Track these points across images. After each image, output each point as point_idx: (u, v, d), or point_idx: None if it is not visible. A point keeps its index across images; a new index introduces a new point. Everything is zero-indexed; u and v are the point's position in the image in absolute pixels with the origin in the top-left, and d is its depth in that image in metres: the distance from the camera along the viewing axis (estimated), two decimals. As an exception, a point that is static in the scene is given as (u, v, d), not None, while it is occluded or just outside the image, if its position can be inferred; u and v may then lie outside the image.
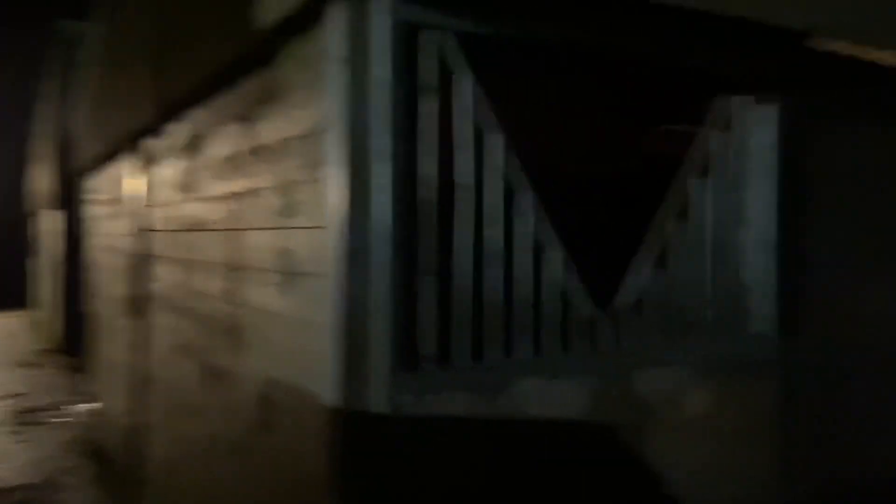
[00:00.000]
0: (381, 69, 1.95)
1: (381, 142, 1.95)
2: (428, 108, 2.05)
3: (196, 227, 3.33)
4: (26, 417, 6.98)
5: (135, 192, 4.70)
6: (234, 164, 2.78)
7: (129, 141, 4.76)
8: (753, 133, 2.62)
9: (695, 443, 2.46)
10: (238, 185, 2.71)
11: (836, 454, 2.92)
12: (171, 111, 3.66)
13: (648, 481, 2.38)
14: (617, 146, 3.94)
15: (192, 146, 3.42)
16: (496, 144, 2.18)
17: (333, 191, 1.96)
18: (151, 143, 4.27)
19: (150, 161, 4.33)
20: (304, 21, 2.09)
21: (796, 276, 2.70)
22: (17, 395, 7.94)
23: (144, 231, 4.39)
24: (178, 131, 3.73)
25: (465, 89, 2.12)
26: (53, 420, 6.92)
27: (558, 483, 2.27)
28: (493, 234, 2.18)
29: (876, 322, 3.06)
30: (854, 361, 2.99)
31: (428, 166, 2.04)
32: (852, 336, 2.99)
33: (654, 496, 2.41)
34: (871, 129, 3.06)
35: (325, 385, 1.96)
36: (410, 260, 2.03)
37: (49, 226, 12.46)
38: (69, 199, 9.77)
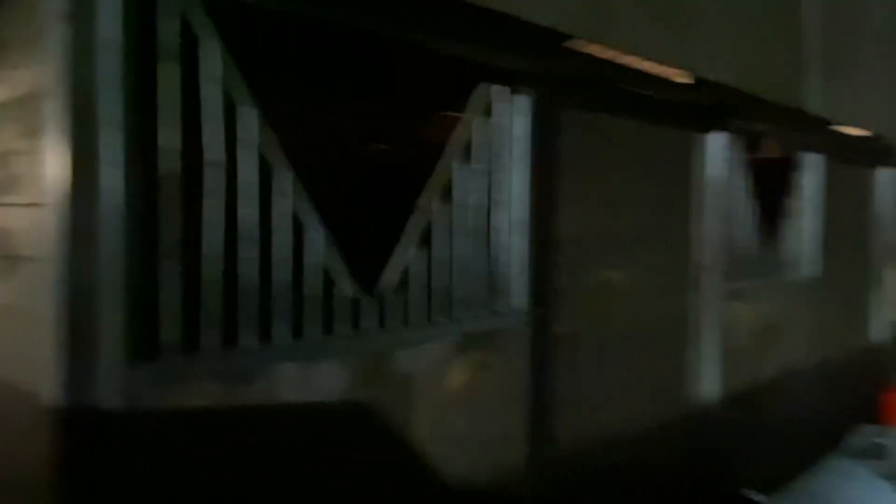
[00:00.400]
0: (109, 28, 1.75)
1: (111, 109, 1.75)
2: (168, 74, 1.88)
3: None
4: None
5: None
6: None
7: None
8: (510, 122, 2.77)
9: (455, 416, 2.56)
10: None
11: (580, 418, 3.22)
12: None
13: (412, 458, 2.44)
14: (391, 130, 4.01)
15: None
16: (249, 118, 2.07)
17: (54, 163, 1.74)
18: None
19: None
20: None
21: (546, 255, 2.91)
22: None
23: None
24: None
25: (212, 55, 1.98)
26: None
27: (322, 468, 2.24)
28: (248, 213, 2.08)
29: (615, 296, 3.42)
30: (598, 332, 3.33)
31: (169, 138, 1.88)
32: (597, 309, 3.31)
33: (417, 472, 2.47)
34: (613, 122, 3.40)
35: (45, 382, 1.74)
36: (150, 241, 1.86)
37: None
38: None
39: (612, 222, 3.46)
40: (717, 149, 4.02)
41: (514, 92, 2.75)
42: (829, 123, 4.99)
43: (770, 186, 5.06)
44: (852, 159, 5.89)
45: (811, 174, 5.15)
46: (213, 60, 1.99)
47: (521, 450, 2.81)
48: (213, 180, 1.99)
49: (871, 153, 6.18)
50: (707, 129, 3.99)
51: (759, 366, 4.50)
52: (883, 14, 5.87)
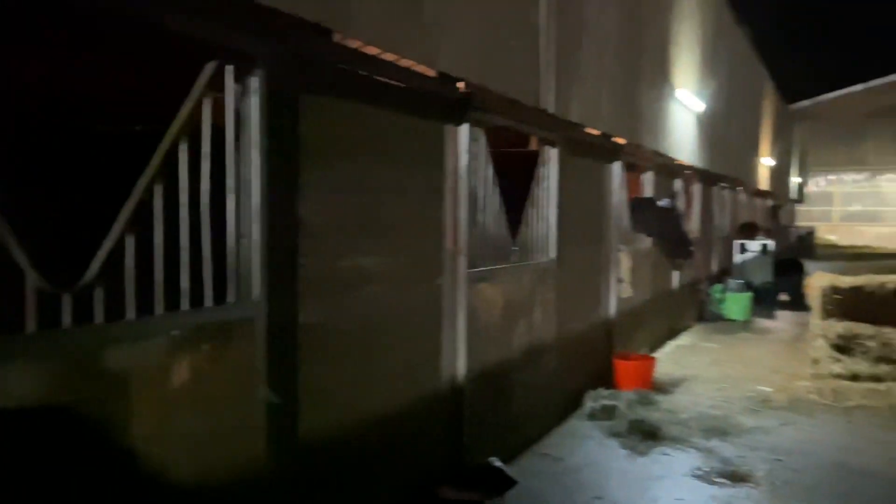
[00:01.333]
0: None
1: None
2: None
3: None
4: None
5: None
6: None
7: None
8: (243, 103, 2.66)
9: (183, 413, 2.42)
10: None
11: (331, 406, 3.23)
12: None
13: (129, 462, 2.25)
14: (110, 109, 3.68)
15: None
16: None
17: None
18: None
19: None
20: None
21: (285, 243, 2.85)
22: None
23: None
24: None
25: None
26: None
27: (23, 479, 1.98)
28: None
29: (370, 282, 3.46)
30: (351, 319, 3.35)
31: None
32: (350, 296, 3.33)
33: (136, 476, 2.29)
34: (365, 110, 3.43)
35: None
36: None
37: None
38: None
39: (366, 209, 3.50)
40: (465, 140, 4.24)
41: (245, 73, 2.64)
42: (562, 121, 5.52)
43: (515, 177, 5.48)
44: (589, 154, 6.59)
45: (551, 167, 5.66)
46: None
47: (261, 443, 2.73)
48: None
49: (605, 150, 6.98)
50: (456, 121, 4.19)
51: (505, 342, 4.86)
52: (610, 25, 6.64)
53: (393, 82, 3.67)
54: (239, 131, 2.67)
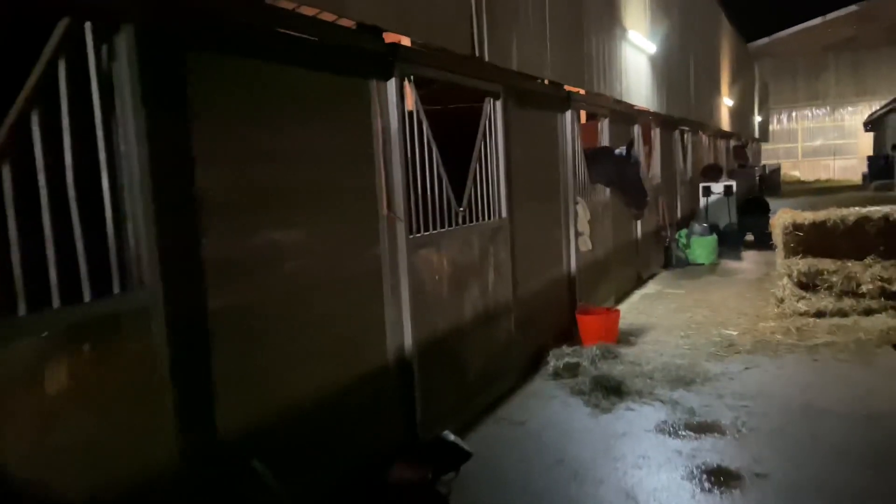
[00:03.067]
0: None
1: None
2: None
3: None
4: None
5: None
6: None
7: None
8: (113, 64, 2.33)
9: (69, 422, 2.14)
10: None
11: (257, 393, 2.97)
12: None
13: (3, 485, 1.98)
14: None
15: None
16: None
17: None
18: None
19: None
20: None
21: (185, 220, 2.56)
22: None
23: None
24: None
25: None
26: None
27: None
28: None
29: (295, 256, 3.18)
30: (275, 298, 3.07)
31: None
32: (272, 273, 3.05)
33: (18, 491, 2.02)
34: (276, 69, 3.10)
35: None
36: None
37: None
38: None
39: (283, 178, 3.20)
40: (393, 96, 3.93)
41: (110, 30, 2.30)
42: (503, 70, 5.21)
43: (460, 135, 5.19)
44: (537, 104, 6.30)
45: (496, 120, 5.37)
46: None
47: (171, 443, 2.47)
48: None
49: (554, 99, 6.69)
50: (382, 76, 3.87)
51: (456, 308, 4.63)
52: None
53: (305, 37, 3.33)
54: (113, 99, 2.34)
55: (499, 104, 5.36)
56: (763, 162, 31.85)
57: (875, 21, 34.02)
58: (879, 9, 32.80)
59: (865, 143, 34.16)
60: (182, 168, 2.59)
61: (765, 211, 13.95)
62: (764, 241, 13.10)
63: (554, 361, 5.88)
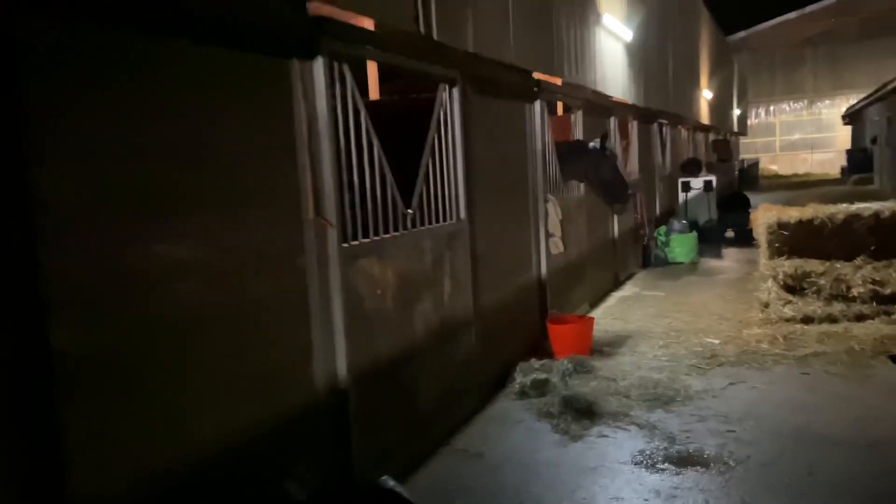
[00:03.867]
0: None
1: None
2: None
3: None
4: None
5: None
6: None
7: None
8: None
9: None
10: None
11: (117, 456, 2.36)
12: None
13: None
14: None
15: None
16: None
17: None
18: None
19: None
20: None
21: (14, 233, 1.95)
22: None
23: None
24: None
25: None
26: None
27: None
28: None
29: (171, 277, 2.57)
30: (146, 329, 2.45)
31: None
32: (140, 299, 2.43)
33: None
34: (157, 44, 2.48)
35: None
36: None
37: None
38: None
39: (175, 178, 2.58)
40: (321, 79, 3.32)
41: None
42: (459, 53, 4.61)
43: (412, 129, 4.59)
44: (502, 93, 5.72)
45: (452, 110, 4.77)
46: None
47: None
48: None
49: (521, 87, 6.11)
50: (306, 55, 3.26)
51: (403, 325, 4.04)
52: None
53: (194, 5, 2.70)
54: None
55: (456, 92, 4.76)
56: (741, 156, 31.61)
57: (852, 14, 33.91)
58: (856, 2, 32.66)
59: (843, 136, 34.07)
60: (11, 168, 1.97)
61: (745, 207, 13.52)
62: (745, 238, 12.66)
63: (521, 378, 5.31)
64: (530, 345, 6.06)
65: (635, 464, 3.95)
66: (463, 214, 4.84)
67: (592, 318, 6.32)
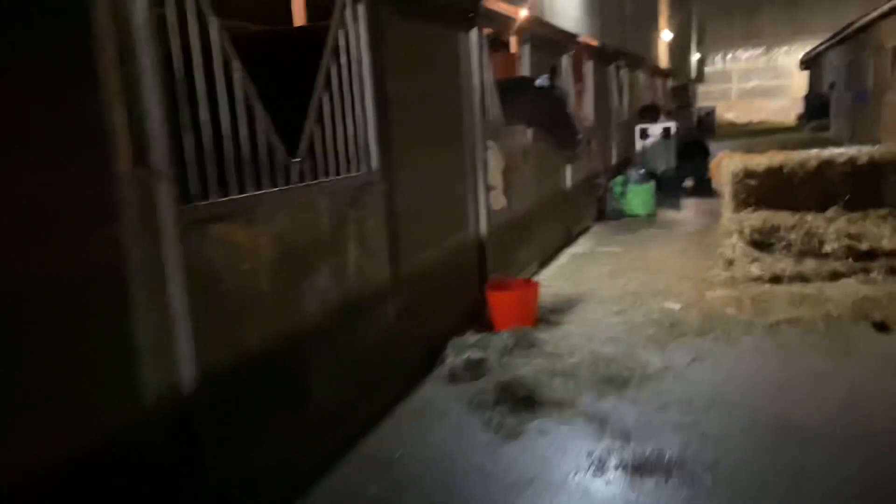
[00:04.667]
0: None
1: None
2: None
3: None
4: None
5: None
6: None
7: None
8: None
9: None
10: None
11: None
12: None
13: None
14: None
15: None
16: None
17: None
18: None
19: None
20: None
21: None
22: None
23: None
24: None
25: None
26: None
27: None
28: None
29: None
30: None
31: None
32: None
33: None
34: None
35: None
36: None
37: None
38: None
39: None
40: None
41: None
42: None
43: (296, 62, 3.62)
44: (428, 16, 4.74)
45: (358, 33, 3.79)
46: None
47: None
48: None
49: (451, 11, 5.12)
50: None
51: (287, 306, 3.15)
52: None
53: None
54: None
55: (361, 8, 3.78)
56: (699, 103, 31.06)
57: (811, -43, 33.22)
58: (816, -56, 31.95)
59: (799, 83, 33.72)
60: None
61: (704, 155, 12.85)
62: (703, 187, 12.03)
63: (452, 357, 4.50)
64: (469, 314, 5.25)
65: (581, 470, 3.19)
66: (375, 164, 3.92)
67: (538, 283, 5.51)
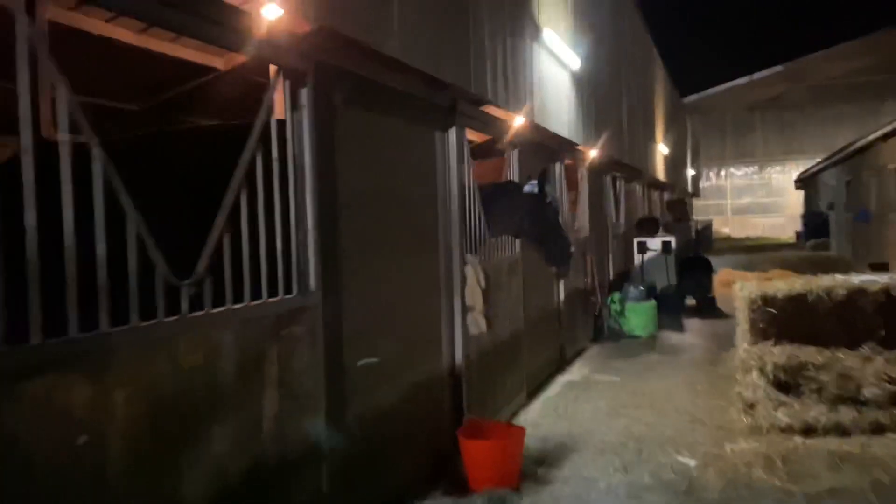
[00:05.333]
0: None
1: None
2: None
3: None
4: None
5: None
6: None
7: None
8: None
9: None
10: None
11: None
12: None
13: None
14: None
15: None
16: None
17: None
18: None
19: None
20: None
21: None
22: None
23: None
24: None
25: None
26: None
27: None
28: None
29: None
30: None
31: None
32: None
33: None
34: None
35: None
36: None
37: None
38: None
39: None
40: None
41: None
42: (315, 37, 2.91)
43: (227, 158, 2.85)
44: (398, 110, 4.04)
45: (302, 119, 3.05)
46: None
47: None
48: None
49: (426, 106, 4.44)
50: None
51: (148, 490, 2.19)
52: None
53: None
54: None
55: (305, 93, 3.05)
56: (695, 217, 30.88)
57: (800, 81, 34.11)
58: (804, 69, 32.82)
59: (794, 201, 33.77)
60: None
61: (707, 271, 12.12)
62: (707, 306, 11.21)
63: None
64: (436, 466, 4.26)
65: None
66: (313, 283, 3.06)
67: (522, 430, 4.50)
